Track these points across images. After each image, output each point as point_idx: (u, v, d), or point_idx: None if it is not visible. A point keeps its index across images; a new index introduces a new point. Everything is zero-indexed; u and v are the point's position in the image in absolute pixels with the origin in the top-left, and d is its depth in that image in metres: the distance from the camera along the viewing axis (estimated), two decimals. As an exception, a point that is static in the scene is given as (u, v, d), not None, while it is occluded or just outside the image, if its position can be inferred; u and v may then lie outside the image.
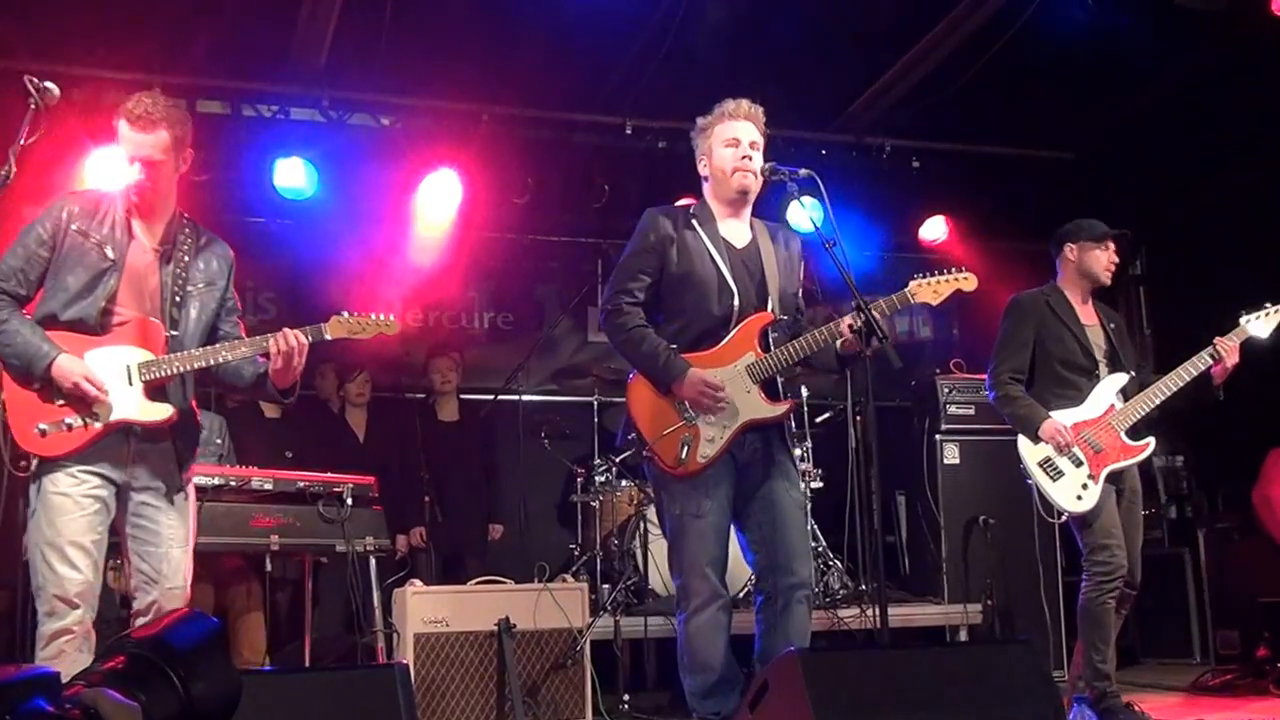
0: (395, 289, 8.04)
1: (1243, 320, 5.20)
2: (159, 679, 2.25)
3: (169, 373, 3.92)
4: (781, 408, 4.25)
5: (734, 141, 4.32)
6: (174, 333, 3.99)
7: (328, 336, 4.10)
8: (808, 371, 4.89)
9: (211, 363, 3.99)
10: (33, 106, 3.59)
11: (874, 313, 4.02)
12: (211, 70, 6.76)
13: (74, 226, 3.88)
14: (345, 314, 4.15)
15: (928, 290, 4.30)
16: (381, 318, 4.20)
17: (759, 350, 4.22)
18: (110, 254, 3.88)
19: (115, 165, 4.01)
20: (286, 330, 4.00)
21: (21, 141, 3.57)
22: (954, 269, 4.34)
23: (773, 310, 4.28)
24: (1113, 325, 5.41)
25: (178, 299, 4.01)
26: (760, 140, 4.37)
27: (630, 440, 4.36)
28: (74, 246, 3.87)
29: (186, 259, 4.06)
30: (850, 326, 4.07)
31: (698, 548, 4.14)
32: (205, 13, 6.15)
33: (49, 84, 3.63)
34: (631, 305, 4.28)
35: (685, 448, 4.14)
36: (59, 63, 5.76)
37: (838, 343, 4.16)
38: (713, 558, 4.14)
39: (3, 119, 3.77)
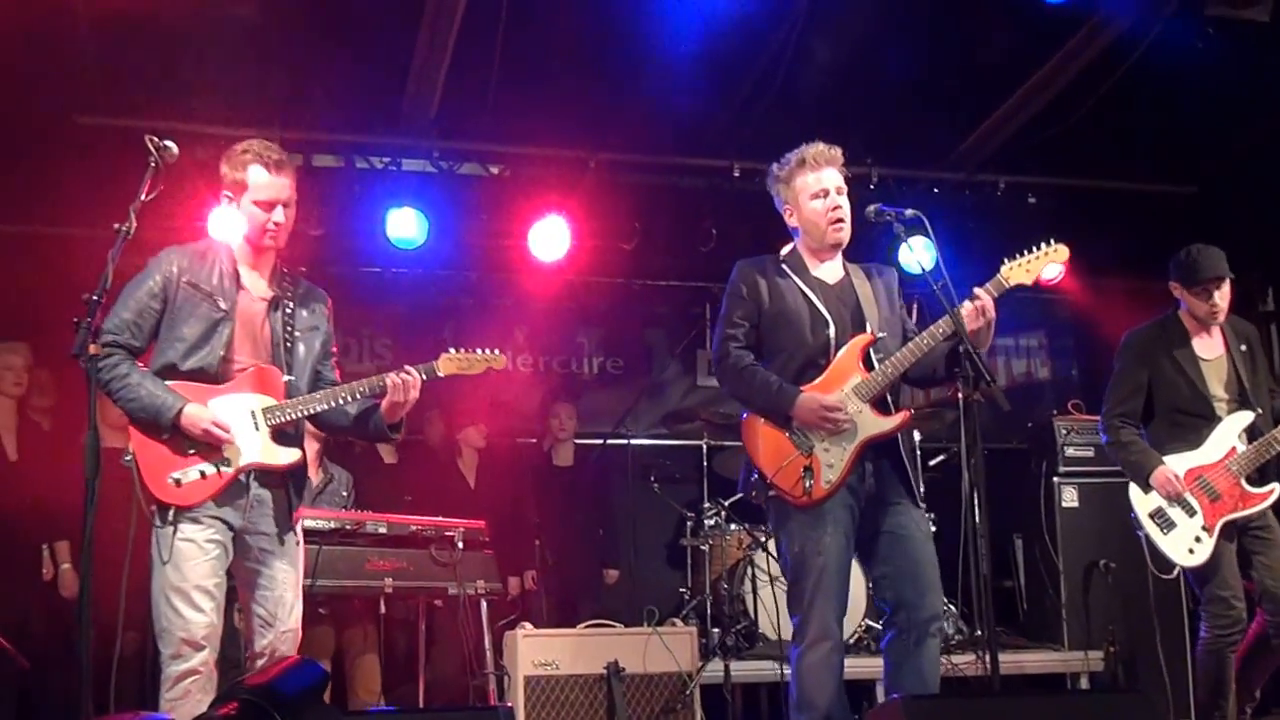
0: (506, 335, 8.15)
1: None
2: (268, 725, 2.29)
3: (292, 417, 4.02)
4: (896, 419, 4.19)
5: (822, 193, 4.30)
6: (290, 377, 4.07)
7: (440, 374, 4.19)
8: (920, 418, 4.78)
9: (333, 404, 4.07)
10: (152, 165, 3.71)
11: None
12: (326, 125, 6.94)
13: (184, 279, 3.96)
14: (454, 350, 4.23)
15: (1020, 271, 4.24)
16: (488, 353, 4.27)
17: (864, 371, 4.18)
18: (223, 305, 3.97)
19: (234, 212, 4.11)
20: (406, 367, 4.09)
21: (142, 198, 3.68)
22: (1044, 244, 4.25)
23: (872, 331, 4.24)
24: (1243, 348, 5.15)
25: (288, 344, 4.10)
26: (844, 184, 4.33)
27: (753, 482, 4.30)
28: (186, 299, 3.95)
29: (291, 305, 4.16)
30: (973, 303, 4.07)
31: (816, 586, 4.09)
32: (320, 69, 6.30)
33: (168, 142, 3.75)
34: (739, 348, 4.30)
35: (808, 477, 4.10)
36: (179, 120, 5.94)
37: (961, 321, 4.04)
38: (830, 597, 4.09)
39: (125, 176, 3.89)
